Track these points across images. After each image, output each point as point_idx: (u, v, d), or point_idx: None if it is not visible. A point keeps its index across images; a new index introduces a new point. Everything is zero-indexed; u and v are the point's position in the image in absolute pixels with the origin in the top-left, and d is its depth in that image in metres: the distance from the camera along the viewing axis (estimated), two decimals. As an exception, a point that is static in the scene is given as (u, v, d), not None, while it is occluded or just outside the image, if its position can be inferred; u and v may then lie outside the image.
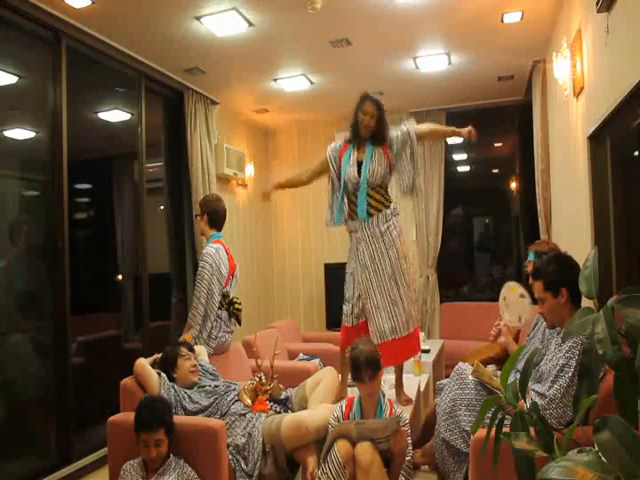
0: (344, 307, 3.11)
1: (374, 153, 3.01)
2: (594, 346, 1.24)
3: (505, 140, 6.62)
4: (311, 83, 4.95)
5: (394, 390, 3.14)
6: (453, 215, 6.39)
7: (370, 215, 2.99)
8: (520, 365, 2.23)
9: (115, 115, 4.74)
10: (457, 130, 3.14)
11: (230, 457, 2.51)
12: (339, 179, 3.10)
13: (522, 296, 3.08)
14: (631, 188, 2.61)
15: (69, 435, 3.43)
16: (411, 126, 3.09)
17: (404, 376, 3.19)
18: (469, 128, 3.08)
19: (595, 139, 2.96)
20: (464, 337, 5.29)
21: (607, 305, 1.27)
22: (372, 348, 2.38)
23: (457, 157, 6.72)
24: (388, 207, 3.03)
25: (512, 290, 3.16)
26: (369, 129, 3.01)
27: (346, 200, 3.05)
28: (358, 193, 3.00)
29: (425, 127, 3.20)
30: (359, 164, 3.01)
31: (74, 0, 3.22)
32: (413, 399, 3.13)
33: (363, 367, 2.30)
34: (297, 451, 2.50)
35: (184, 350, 2.80)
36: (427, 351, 4.42)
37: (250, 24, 3.69)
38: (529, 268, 2.88)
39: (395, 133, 3.07)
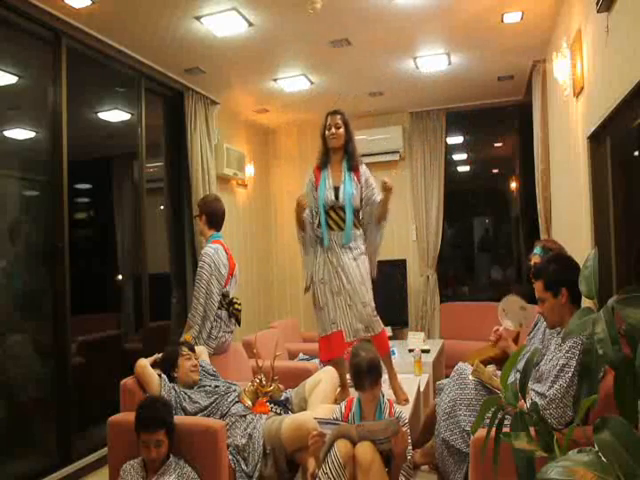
0: (320, 315, 3.13)
1: (351, 179, 3.13)
2: (594, 346, 1.24)
3: (505, 140, 6.62)
4: (311, 83, 4.94)
5: (391, 391, 3.12)
6: (453, 215, 6.39)
7: (342, 230, 3.10)
8: (520, 365, 2.23)
9: (115, 115, 4.75)
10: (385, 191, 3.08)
11: (230, 457, 2.51)
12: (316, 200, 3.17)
13: (523, 308, 3.08)
14: (631, 188, 2.61)
15: (69, 435, 3.43)
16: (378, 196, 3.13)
17: (403, 376, 3.18)
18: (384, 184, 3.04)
19: (595, 139, 2.96)
20: (464, 337, 5.28)
21: (607, 305, 1.27)
22: (373, 355, 2.36)
23: (457, 157, 6.72)
24: (358, 229, 3.16)
25: (512, 303, 3.17)
26: (338, 140, 3.18)
27: (325, 215, 3.12)
28: (341, 211, 3.09)
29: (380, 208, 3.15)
30: (336, 189, 3.11)
31: (74, 0, 3.22)
32: (411, 398, 3.11)
33: (364, 375, 2.29)
34: (297, 452, 2.50)
35: (185, 350, 2.81)
36: (427, 351, 4.41)
37: (250, 24, 3.69)
38: (532, 261, 2.88)
39: (370, 180, 3.17)
